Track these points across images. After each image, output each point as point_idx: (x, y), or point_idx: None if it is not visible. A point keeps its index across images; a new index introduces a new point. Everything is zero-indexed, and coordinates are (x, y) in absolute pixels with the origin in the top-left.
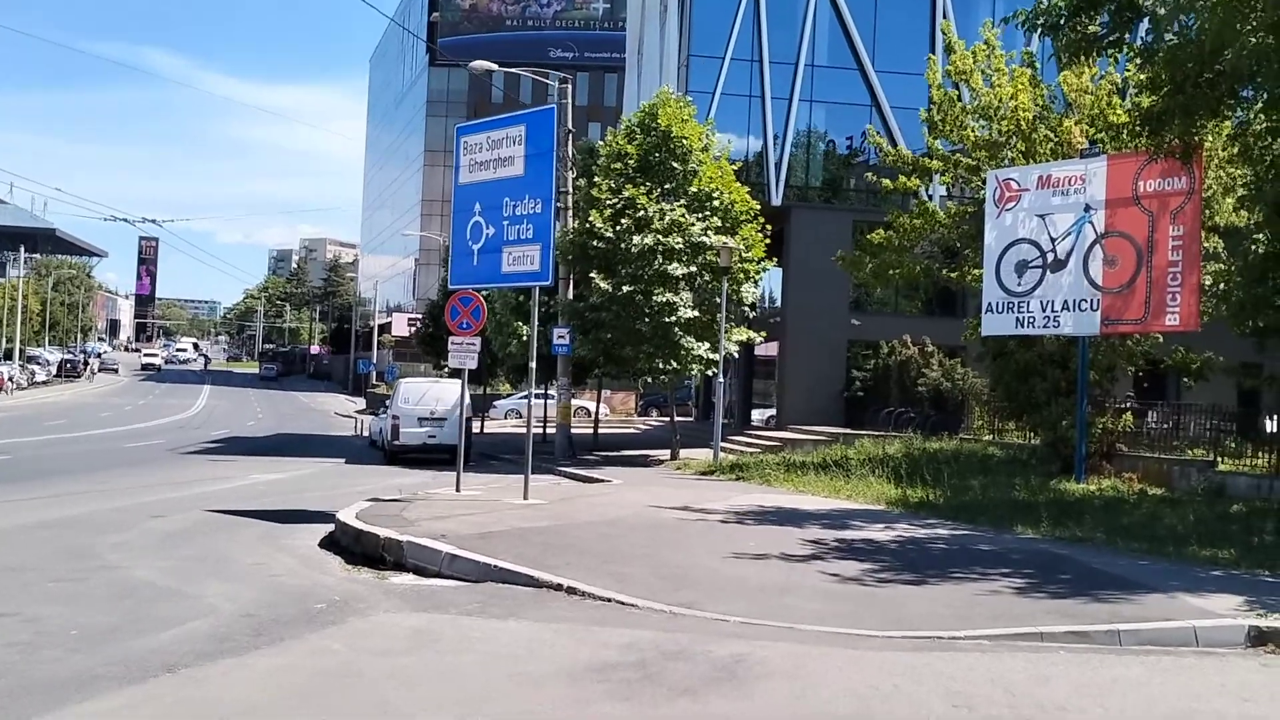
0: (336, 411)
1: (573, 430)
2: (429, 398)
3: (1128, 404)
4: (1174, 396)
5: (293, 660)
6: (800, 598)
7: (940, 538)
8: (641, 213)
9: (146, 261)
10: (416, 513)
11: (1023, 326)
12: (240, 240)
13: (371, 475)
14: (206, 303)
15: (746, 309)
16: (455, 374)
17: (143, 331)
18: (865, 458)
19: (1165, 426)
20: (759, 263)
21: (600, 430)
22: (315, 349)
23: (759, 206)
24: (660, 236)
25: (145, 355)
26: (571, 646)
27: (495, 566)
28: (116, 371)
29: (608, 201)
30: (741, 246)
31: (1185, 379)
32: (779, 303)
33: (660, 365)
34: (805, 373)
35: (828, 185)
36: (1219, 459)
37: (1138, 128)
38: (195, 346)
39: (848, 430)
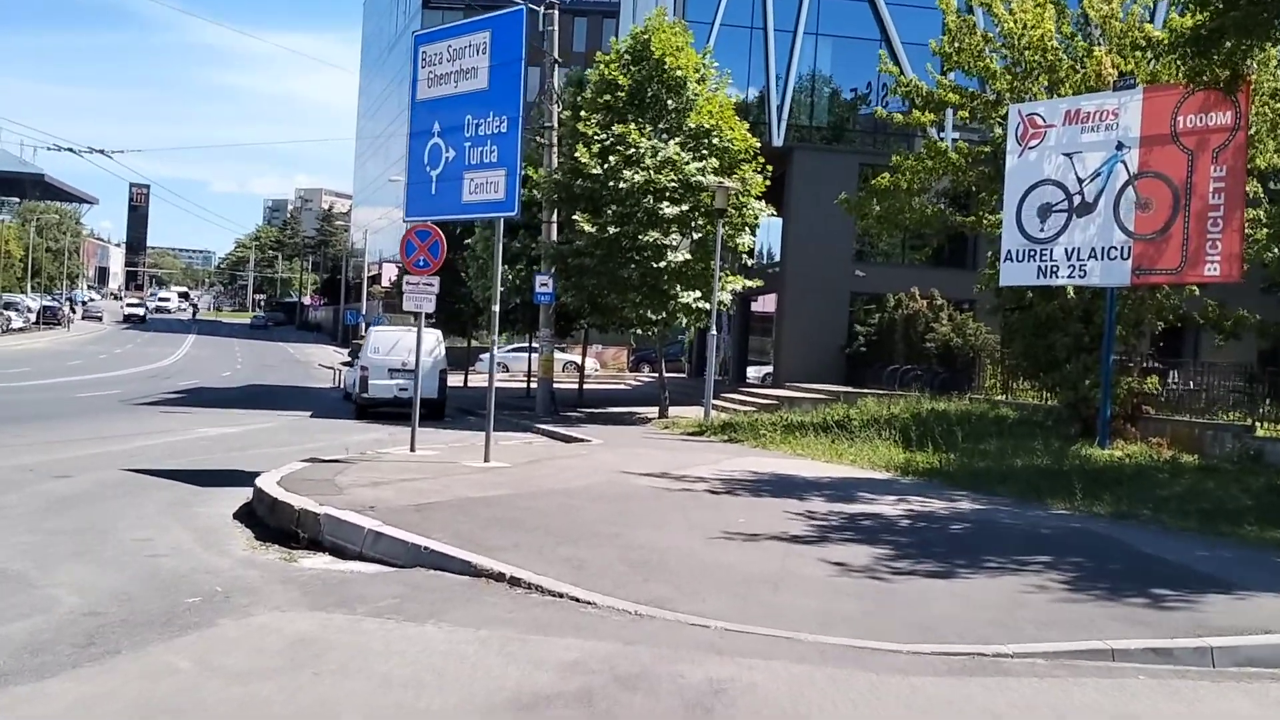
0: (321, 363)
1: (557, 385)
2: (400, 347)
3: (1150, 363)
4: (1192, 355)
5: (113, 686)
6: (799, 594)
7: (960, 513)
8: (632, 149)
9: (138, 208)
10: (353, 477)
11: (1045, 276)
12: (235, 189)
13: (333, 430)
14: (201, 252)
15: (744, 257)
16: (437, 325)
17: (133, 280)
18: (869, 418)
19: (1189, 387)
20: (758, 203)
21: (589, 386)
22: (308, 299)
23: (759, 144)
24: (652, 174)
25: (128, 305)
26: (497, 666)
27: (427, 548)
28: (100, 320)
29: (596, 136)
30: (739, 187)
31: (1218, 337)
32: (778, 254)
33: (648, 315)
34: (805, 327)
35: (833, 127)
36: (1256, 423)
37: (1184, 50)
38: (185, 295)
39: (849, 388)
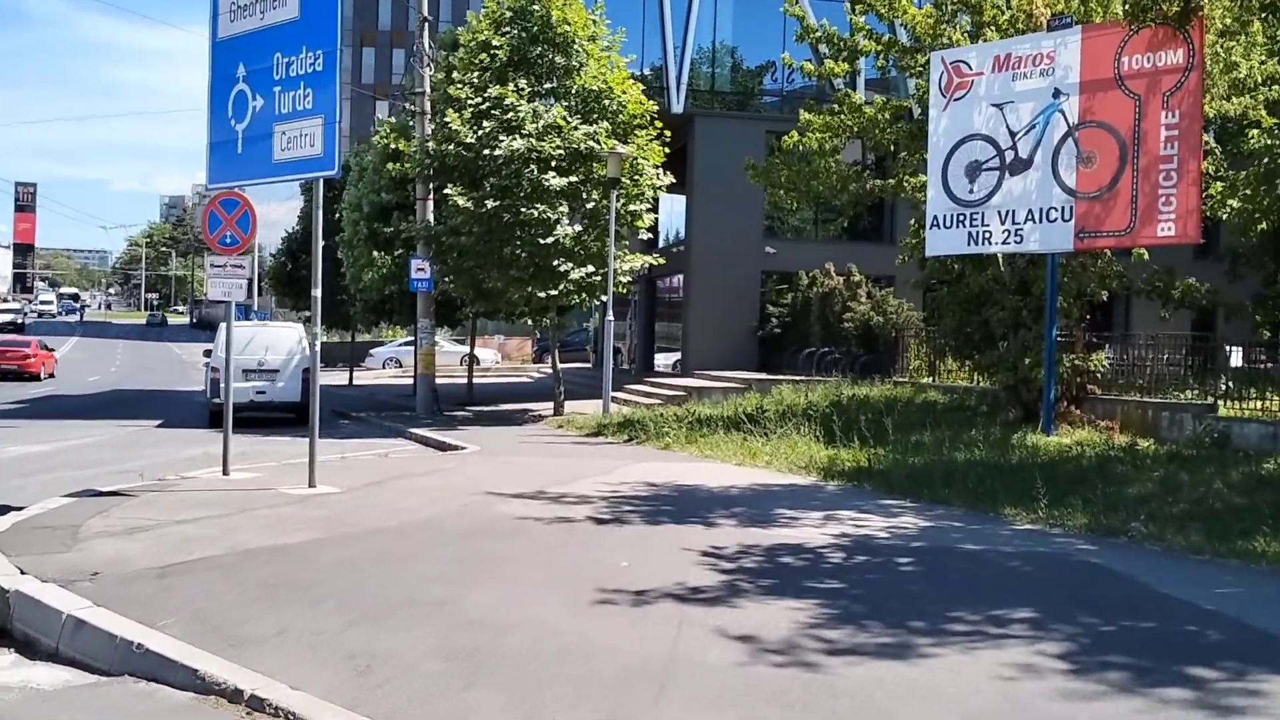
0: (207, 363)
1: (452, 381)
2: (256, 345)
3: (1087, 337)
4: (1123, 328)
5: None
6: (696, 703)
7: (904, 535)
8: (511, 114)
9: (24, 208)
10: (113, 520)
11: (976, 243)
12: (136, 188)
13: (171, 443)
14: (97, 252)
15: (644, 233)
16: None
17: (21, 282)
18: (785, 409)
19: (1132, 364)
20: (655, 170)
21: (487, 380)
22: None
23: (656, 108)
24: (534, 141)
25: (3, 312)
26: None
27: (140, 647)
28: None
29: (469, 101)
30: (634, 152)
31: (1164, 308)
32: (682, 233)
33: (536, 294)
34: (714, 310)
35: (738, 92)
36: (1218, 401)
37: None
38: (74, 297)
39: (763, 375)
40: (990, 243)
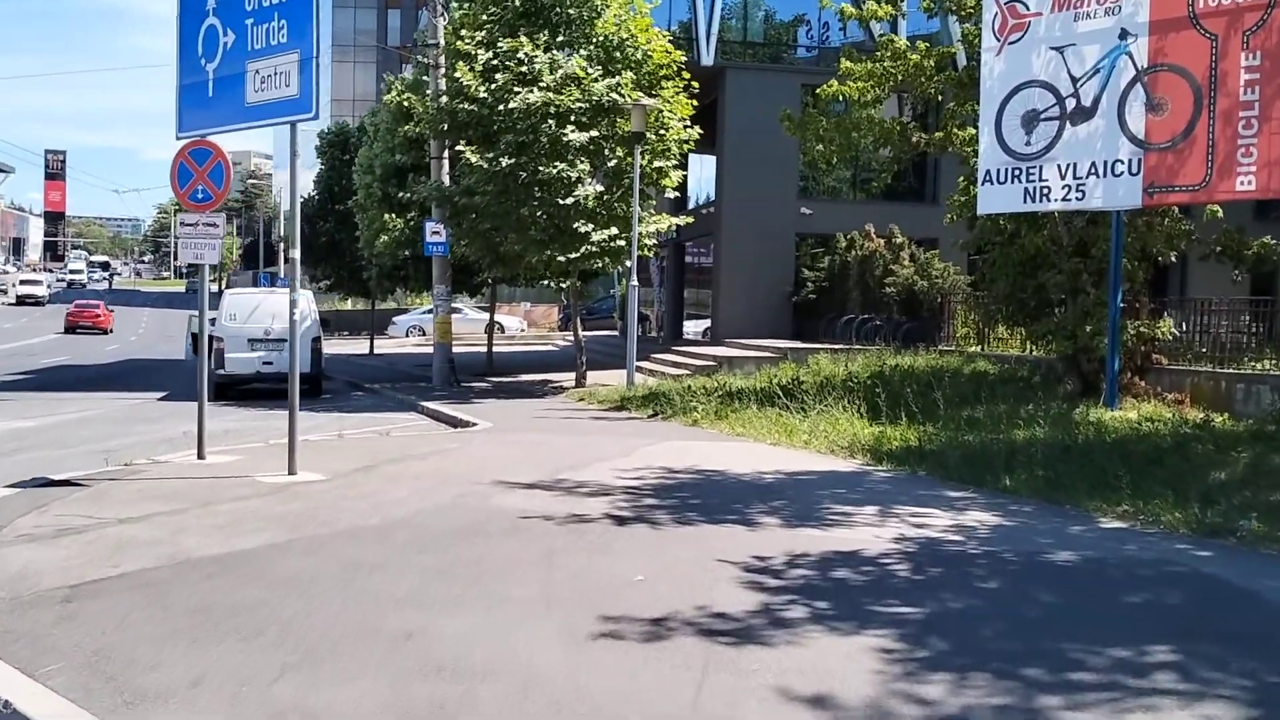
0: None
1: (474, 349)
2: (261, 313)
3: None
4: (1176, 292)
5: None
6: None
7: (977, 536)
8: (526, 65)
9: (55, 175)
10: (49, 518)
11: (1033, 200)
12: (166, 156)
13: (168, 418)
14: (130, 220)
15: (670, 193)
16: (335, 286)
17: (52, 250)
18: (823, 380)
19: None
20: (684, 125)
21: (511, 348)
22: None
23: (683, 58)
24: (552, 95)
25: (21, 284)
26: None
27: (9, 707)
28: (4, 293)
29: (480, 55)
30: (659, 105)
31: (1236, 270)
32: (712, 195)
33: (556, 258)
34: (745, 275)
35: (770, 44)
36: None
37: None
38: (105, 265)
39: (798, 344)
40: (1049, 199)
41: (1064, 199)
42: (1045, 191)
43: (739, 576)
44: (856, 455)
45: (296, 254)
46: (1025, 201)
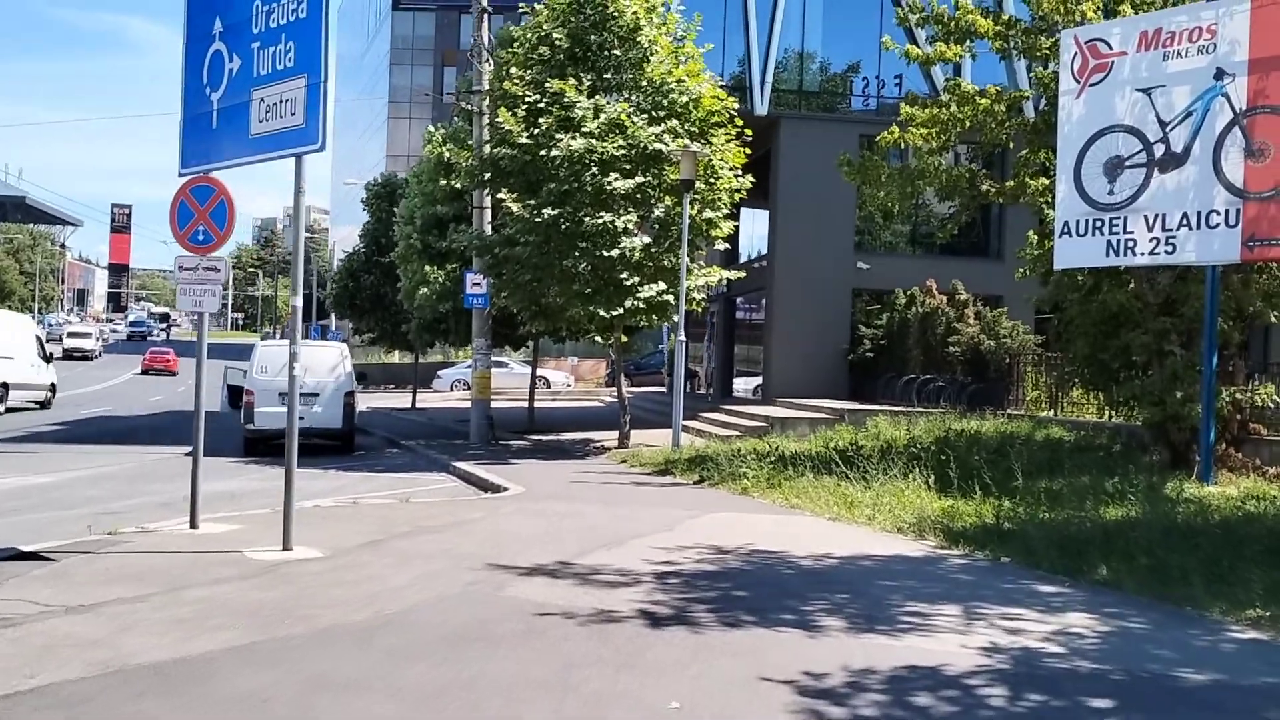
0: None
1: (525, 405)
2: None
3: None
4: (1260, 354)
5: None
6: None
7: (1085, 650)
8: (568, 111)
9: (120, 229)
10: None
11: (1117, 254)
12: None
13: (187, 476)
14: None
15: (720, 244)
16: (379, 340)
17: (115, 301)
18: (884, 445)
19: None
20: (732, 174)
21: (556, 404)
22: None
23: (735, 106)
24: (594, 141)
25: (69, 336)
26: None
27: None
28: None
29: (525, 98)
30: (708, 151)
31: None
32: (764, 249)
33: (599, 313)
34: (799, 331)
35: (826, 93)
36: None
37: None
38: (165, 317)
39: (855, 404)
40: (1134, 253)
41: (1151, 253)
42: (1130, 245)
43: (794, 703)
44: (926, 535)
45: (298, 301)
46: (1108, 255)
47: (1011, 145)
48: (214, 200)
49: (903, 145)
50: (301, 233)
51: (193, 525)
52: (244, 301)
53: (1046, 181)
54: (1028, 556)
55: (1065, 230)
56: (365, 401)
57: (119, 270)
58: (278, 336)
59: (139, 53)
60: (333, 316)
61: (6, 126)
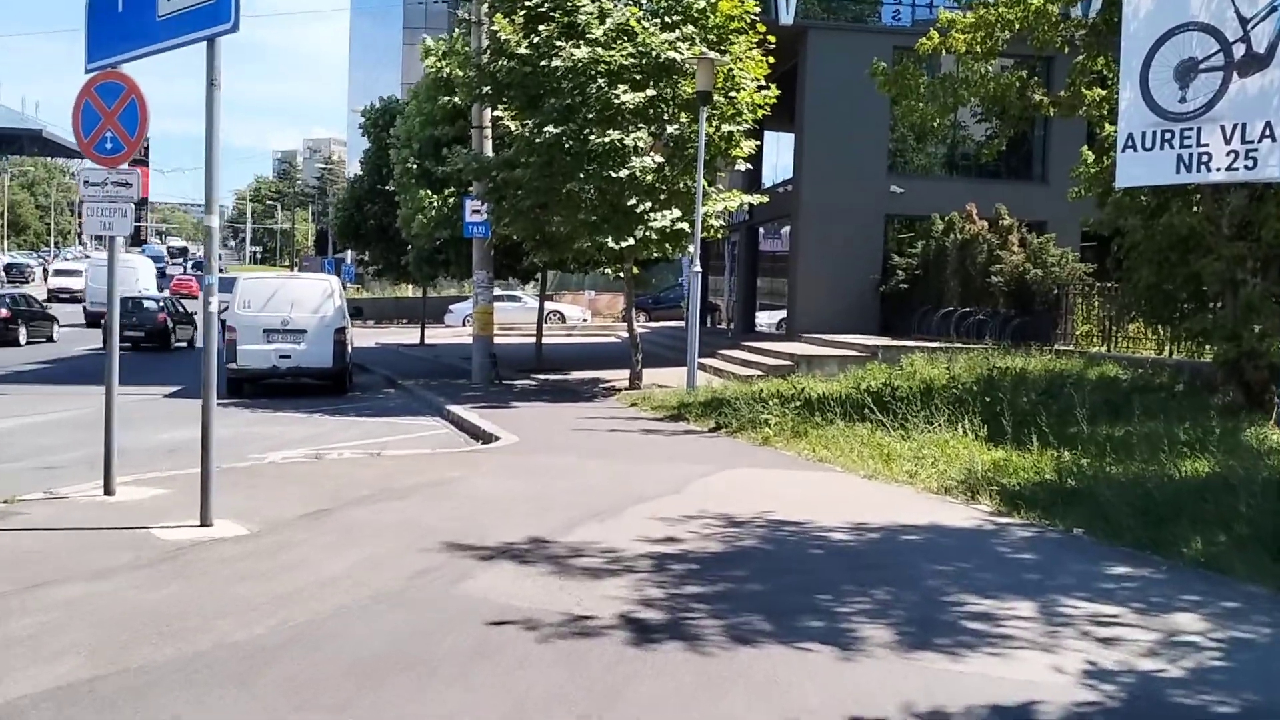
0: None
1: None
2: (279, 300)
3: None
4: None
5: None
6: None
7: (1212, 671)
8: (570, 15)
9: (139, 162)
10: None
11: (1190, 169)
12: (252, 144)
13: (158, 422)
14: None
15: (742, 164)
16: (384, 272)
17: (135, 236)
18: (922, 386)
19: None
20: (758, 88)
21: (569, 340)
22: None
23: (757, 9)
24: (600, 49)
25: (57, 274)
26: None
27: None
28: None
29: (524, 2)
30: (727, 60)
31: None
32: (790, 173)
33: (607, 243)
34: (826, 261)
35: (859, 1)
36: None
37: None
38: (183, 251)
39: (887, 340)
40: (1209, 169)
41: (1229, 168)
42: (1205, 159)
43: None
44: (979, 496)
45: (214, 221)
46: (1179, 171)
47: (1066, 50)
48: (123, 100)
49: (943, 53)
50: (215, 138)
51: (107, 491)
52: (263, 235)
53: (1104, 92)
54: (1106, 527)
55: (1129, 144)
56: (374, 337)
57: (139, 204)
58: (297, 270)
59: None
60: (348, 252)
61: (24, 63)
